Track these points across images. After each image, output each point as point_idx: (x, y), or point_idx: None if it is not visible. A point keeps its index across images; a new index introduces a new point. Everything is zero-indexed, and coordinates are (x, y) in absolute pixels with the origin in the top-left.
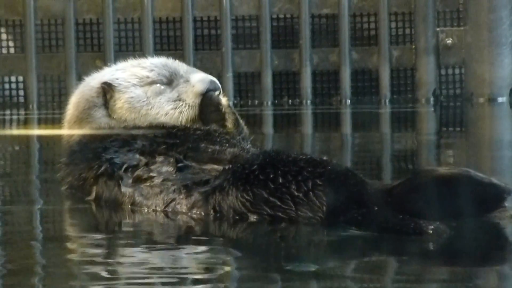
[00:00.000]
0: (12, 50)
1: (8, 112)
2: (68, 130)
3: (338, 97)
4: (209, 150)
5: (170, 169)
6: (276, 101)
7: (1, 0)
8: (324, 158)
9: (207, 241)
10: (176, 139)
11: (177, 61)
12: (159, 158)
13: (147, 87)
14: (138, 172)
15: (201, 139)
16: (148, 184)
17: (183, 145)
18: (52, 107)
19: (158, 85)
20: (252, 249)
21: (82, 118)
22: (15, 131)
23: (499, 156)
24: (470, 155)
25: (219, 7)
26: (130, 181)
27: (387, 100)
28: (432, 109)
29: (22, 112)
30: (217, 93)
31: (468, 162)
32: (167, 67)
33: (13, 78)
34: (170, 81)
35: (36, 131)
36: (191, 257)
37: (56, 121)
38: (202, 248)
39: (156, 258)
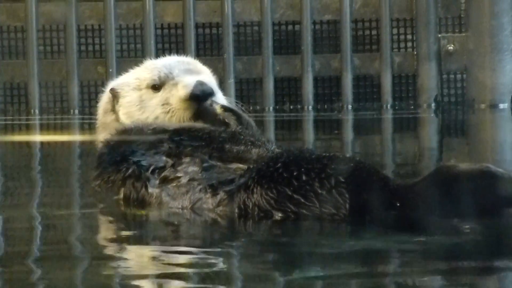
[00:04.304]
0: (13, 56)
1: (10, 117)
2: (97, 134)
3: (340, 103)
4: (234, 150)
5: (196, 169)
6: (278, 107)
7: (2, 6)
8: (348, 155)
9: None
10: (202, 141)
11: (187, 59)
12: (186, 159)
13: (144, 90)
14: (165, 173)
15: (226, 141)
16: (175, 184)
17: (208, 146)
18: (54, 113)
19: (153, 88)
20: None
21: (104, 122)
22: (19, 137)
23: (501, 161)
24: (472, 159)
25: (221, 13)
26: (157, 182)
27: (388, 106)
28: (433, 114)
29: (23, 118)
30: (209, 102)
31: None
32: (166, 67)
33: (14, 84)
34: (162, 83)
35: (40, 137)
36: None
37: (58, 127)
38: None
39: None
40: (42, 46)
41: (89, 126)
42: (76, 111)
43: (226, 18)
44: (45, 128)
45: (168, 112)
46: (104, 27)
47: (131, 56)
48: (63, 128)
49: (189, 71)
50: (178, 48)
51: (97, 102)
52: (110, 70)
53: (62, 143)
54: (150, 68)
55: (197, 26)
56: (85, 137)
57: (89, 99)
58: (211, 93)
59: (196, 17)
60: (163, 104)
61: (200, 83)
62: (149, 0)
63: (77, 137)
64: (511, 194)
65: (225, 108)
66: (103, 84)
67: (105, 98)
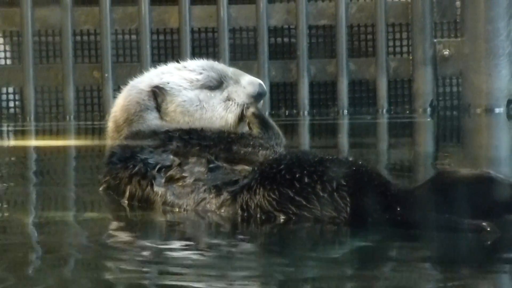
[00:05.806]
0: (9, 61)
1: (5, 123)
2: (115, 132)
3: (336, 108)
4: (241, 151)
5: (202, 169)
6: (273, 112)
7: None
8: (350, 158)
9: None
10: (210, 141)
11: (219, 63)
12: (192, 159)
13: (198, 90)
14: (171, 172)
15: (235, 142)
16: (180, 184)
17: (216, 147)
18: (50, 118)
19: (209, 88)
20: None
21: (133, 120)
22: (15, 142)
23: (497, 166)
24: (468, 164)
25: (216, 18)
26: (163, 180)
27: (384, 111)
28: (429, 119)
29: (19, 123)
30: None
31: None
32: (215, 69)
33: (10, 89)
34: (219, 83)
35: (39, 143)
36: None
37: (54, 132)
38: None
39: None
40: (37, 51)
41: (85, 131)
42: (72, 116)
43: (222, 23)
44: (40, 133)
45: (229, 108)
46: (99, 32)
47: (127, 61)
48: (59, 133)
49: (238, 72)
50: (174, 53)
51: (92, 107)
52: (106, 75)
53: (58, 148)
54: (197, 69)
55: (193, 31)
56: (81, 142)
57: (84, 104)
58: (265, 94)
59: (192, 22)
60: (225, 101)
61: (261, 83)
62: (145, 5)
63: (73, 142)
64: (511, 200)
65: (257, 115)
66: (99, 89)
67: (141, 96)
